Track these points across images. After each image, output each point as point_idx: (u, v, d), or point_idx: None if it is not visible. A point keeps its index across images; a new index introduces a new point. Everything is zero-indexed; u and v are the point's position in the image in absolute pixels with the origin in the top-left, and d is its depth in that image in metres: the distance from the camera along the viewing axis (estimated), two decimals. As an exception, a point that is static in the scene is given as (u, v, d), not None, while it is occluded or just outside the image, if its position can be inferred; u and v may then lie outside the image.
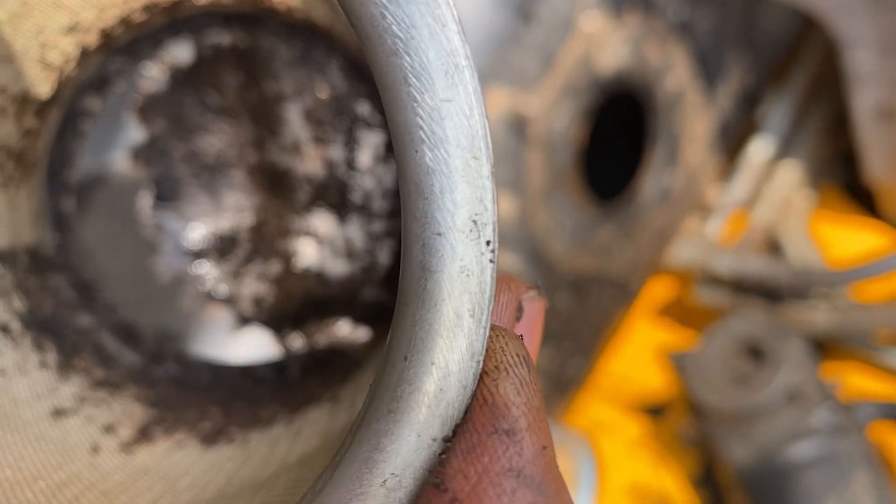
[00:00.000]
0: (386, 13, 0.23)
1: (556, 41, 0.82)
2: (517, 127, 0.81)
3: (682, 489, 0.90)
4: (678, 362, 0.87)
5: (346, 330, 0.43)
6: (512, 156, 0.82)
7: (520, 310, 0.29)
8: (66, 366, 0.39)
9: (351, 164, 0.43)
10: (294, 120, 0.44)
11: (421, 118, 0.24)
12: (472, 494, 0.24)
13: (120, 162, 0.45)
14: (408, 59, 0.23)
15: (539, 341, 0.29)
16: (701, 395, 0.83)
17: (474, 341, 0.24)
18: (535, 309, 0.29)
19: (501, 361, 0.25)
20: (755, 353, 0.83)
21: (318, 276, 0.44)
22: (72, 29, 0.39)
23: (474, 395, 0.25)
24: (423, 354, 0.24)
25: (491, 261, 0.24)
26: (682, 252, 0.94)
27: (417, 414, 0.24)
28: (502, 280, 0.28)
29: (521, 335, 0.27)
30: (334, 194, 0.44)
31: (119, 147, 0.45)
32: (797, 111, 0.99)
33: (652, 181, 0.94)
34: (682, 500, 0.90)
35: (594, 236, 0.91)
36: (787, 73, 1.00)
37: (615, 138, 0.94)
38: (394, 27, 0.23)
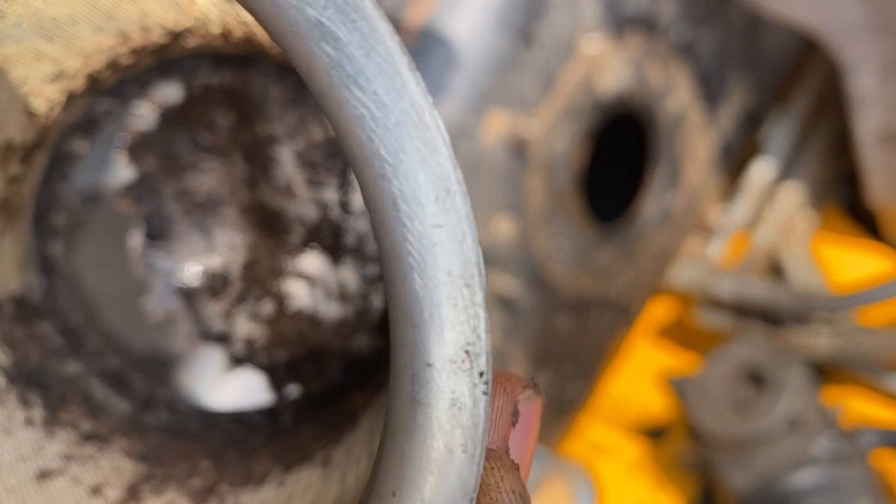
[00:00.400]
0: (374, 136, 0.23)
1: (556, 63, 0.81)
2: (517, 149, 0.81)
3: (682, 513, 0.90)
4: (679, 388, 0.87)
5: (338, 376, 0.43)
6: (512, 178, 0.81)
7: (516, 413, 0.27)
8: (52, 421, 0.38)
9: (345, 206, 0.43)
10: (286, 161, 0.43)
11: (411, 244, 0.23)
12: None
13: (109, 201, 0.44)
14: (397, 183, 0.23)
15: (534, 444, 0.28)
16: (702, 421, 0.82)
17: (467, 479, 0.23)
18: (531, 409, 0.27)
19: (496, 500, 0.24)
20: (757, 379, 0.82)
21: (311, 319, 0.44)
22: (57, 77, 0.38)
23: None
24: (412, 491, 0.23)
25: (484, 393, 0.23)
26: (683, 274, 0.94)
27: None
28: (497, 380, 0.27)
29: (518, 466, 0.26)
30: (328, 236, 0.43)
31: (108, 186, 0.44)
32: (799, 132, 0.99)
33: (653, 202, 0.93)
34: (681, 524, 0.90)
35: (594, 258, 0.90)
36: (790, 94, 1.00)
37: (616, 160, 0.94)
38: (381, 151, 0.23)
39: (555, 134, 0.82)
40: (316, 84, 0.23)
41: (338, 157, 0.42)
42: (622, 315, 0.96)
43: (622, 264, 0.93)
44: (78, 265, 0.43)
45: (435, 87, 0.76)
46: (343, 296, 0.43)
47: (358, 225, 0.43)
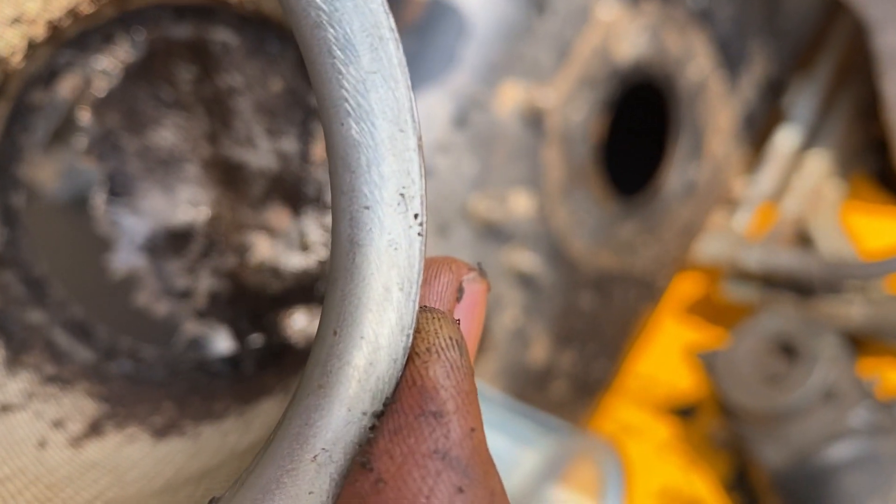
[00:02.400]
0: None
1: (571, 31, 0.79)
2: (533, 121, 0.79)
3: (715, 493, 0.88)
4: (708, 362, 0.84)
5: (301, 323, 0.43)
6: (529, 152, 0.79)
7: (460, 291, 0.28)
8: (14, 362, 0.39)
9: (304, 156, 0.43)
10: (247, 112, 0.44)
11: (346, 90, 0.23)
12: (397, 475, 0.24)
13: (72, 156, 0.44)
14: (332, 31, 0.23)
15: (481, 322, 0.29)
16: (732, 395, 0.80)
17: (403, 315, 0.24)
18: (475, 290, 0.29)
19: (433, 344, 0.25)
20: (788, 350, 0.80)
21: (273, 270, 0.44)
22: (16, 20, 0.38)
23: (404, 374, 0.25)
24: (352, 328, 0.24)
25: (419, 234, 0.24)
26: (709, 247, 0.91)
27: (347, 388, 0.24)
28: (443, 262, 0.28)
29: (458, 319, 0.27)
30: (289, 188, 0.44)
31: (70, 141, 0.44)
32: (824, 98, 0.96)
33: (676, 175, 0.91)
34: (714, 503, 0.88)
35: (617, 233, 0.88)
36: (813, 59, 0.98)
37: (637, 131, 0.92)
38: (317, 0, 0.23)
39: (571, 104, 0.80)
40: None
41: (297, 107, 0.42)
42: (647, 291, 0.94)
43: (646, 239, 0.91)
44: (40, 220, 0.44)
45: (446, 57, 0.74)
46: (304, 245, 0.44)
47: (318, 175, 0.43)
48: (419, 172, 0.24)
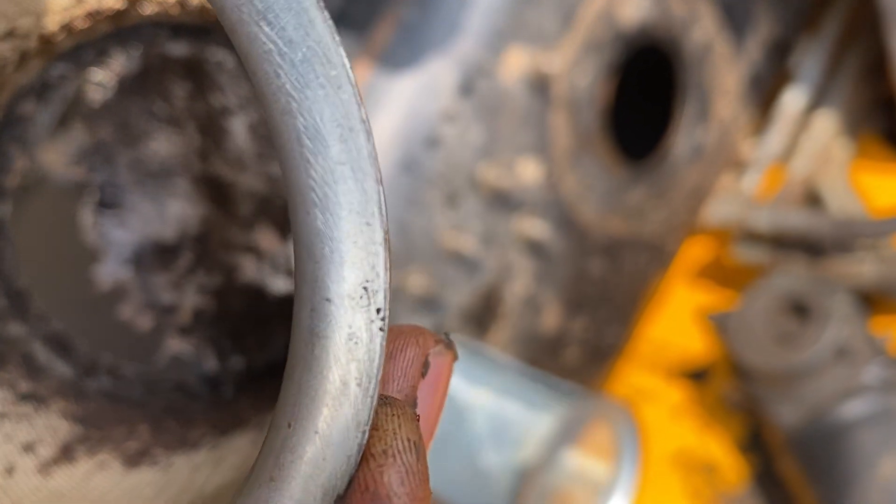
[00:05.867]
0: (280, 72, 0.23)
1: (575, -4, 0.79)
2: (539, 87, 0.78)
3: (729, 455, 0.88)
4: (720, 323, 0.84)
5: (282, 349, 0.43)
6: (535, 118, 0.79)
7: (426, 365, 0.28)
8: None
9: None
10: (239, 133, 0.43)
11: (314, 180, 0.23)
12: None
13: (62, 167, 0.44)
14: (301, 119, 0.23)
15: (444, 396, 0.29)
16: (745, 356, 0.80)
17: (360, 411, 0.24)
18: (441, 363, 0.28)
19: (390, 446, 0.24)
20: (800, 309, 0.80)
21: (258, 292, 0.44)
22: (9, 34, 0.37)
23: (357, 475, 0.24)
24: (306, 422, 0.24)
25: (381, 329, 0.24)
26: (719, 210, 0.91)
27: (298, 483, 0.24)
28: (410, 333, 0.28)
29: (418, 415, 0.26)
30: (277, 211, 0.44)
31: (61, 152, 0.44)
32: (831, 57, 0.96)
33: (683, 138, 0.91)
34: (729, 465, 0.88)
35: (626, 198, 0.88)
36: (819, 17, 0.97)
37: (643, 96, 0.91)
38: (287, 86, 0.23)
39: (577, 69, 0.80)
40: (227, 19, 0.23)
41: None
42: (657, 256, 0.94)
43: (655, 204, 0.91)
44: (26, 231, 0.43)
45: (450, 25, 0.74)
46: (290, 270, 0.43)
47: None
48: (384, 266, 0.24)
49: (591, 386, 0.91)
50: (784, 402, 0.79)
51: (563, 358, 0.88)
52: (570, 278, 0.86)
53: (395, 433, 0.25)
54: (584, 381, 0.89)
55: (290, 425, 0.24)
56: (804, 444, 0.78)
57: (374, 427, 0.25)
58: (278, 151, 0.24)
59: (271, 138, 0.24)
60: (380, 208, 0.24)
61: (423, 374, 0.28)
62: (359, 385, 0.24)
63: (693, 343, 0.94)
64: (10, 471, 0.35)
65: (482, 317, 0.80)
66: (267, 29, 0.23)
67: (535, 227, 0.81)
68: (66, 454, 0.37)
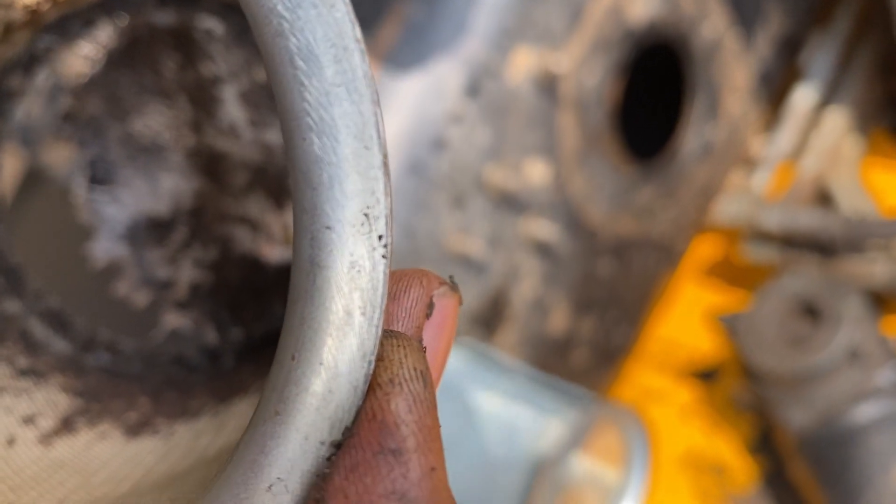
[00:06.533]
0: None
1: (583, -6, 0.78)
2: (547, 87, 0.78)
3: (739, 456, 0.87)
4: (730, 325, 0.84)
5: (281, 319, 0.42)
6: (543, 118, 0.78)
7: (430, 306, 0.27)
8: None
9: None
10: (230, 102, 0.43)
11: (308, 103, 0.23)
12: None
13: (52, 144, 0.43)
14: (294, 40, 0.22)
15: (451, 338, 0.28)
16: (755, 358, 0.79)
17: (365, 340, 0.23)
18: (446, 305, 0.28)
19: (396, 375, 0.24)
20: (811, 311, 0.79)
21: (255, 263, 0.43)
22: None
23: (364, 405, 0.24)
24: (310, 354, 0.23)
25: (384, 256, 0.24)
26: (728, 209, 0.90)
27: (305, 416, 0.23)
28: (414, 274, 0.27)
29: (425, 340, 0.26)
30: (271, 179, 0.43)
31: (51, 128, 0.43)
32: (842, 54, 0.95)
33: (693, 136, 0.90)
34: (738, 467, 0.87)
35: (635, 198, 0.87)
36: (830, 13, 0.96)
37: (651, 94, 0.90)
38: (279, 7, 0.22)
39: (585, 68, 0.79)
40: None
41: None
42: (666, 255, 0.93)
43: (664, 203, 0.90)
44: (19, 208, 0.43)
45: (457, 25, 0.73)
46: (287, 238, 0.43)
47: None
48: (384, 191, 0.23)
49: (600, 387, 0.90)
50: (795, 405, 0.78)
51: (571, 360, 0.87)
52: (578, 279, 0.85)
53: (401, 362, 0.24)
54: (593, 383, 0.89)
55: (293, 358, 0.23)
56: (816, 447, 0.77)
57: (380, 358, 0.24)
58: (271, 76, 0.23)
59: (264, 64, 0.23)
60: (378, 131, 0.23)
61: (428, 315, 0.27)
62: (363, 314, 0.23)
63: (702, 343, 0.94)
64: (10, 442, 0.35)
65: (490, 319, 0.80)
66: None
67: (543, 228, 0.81)
68: (66, 426, 0.37)
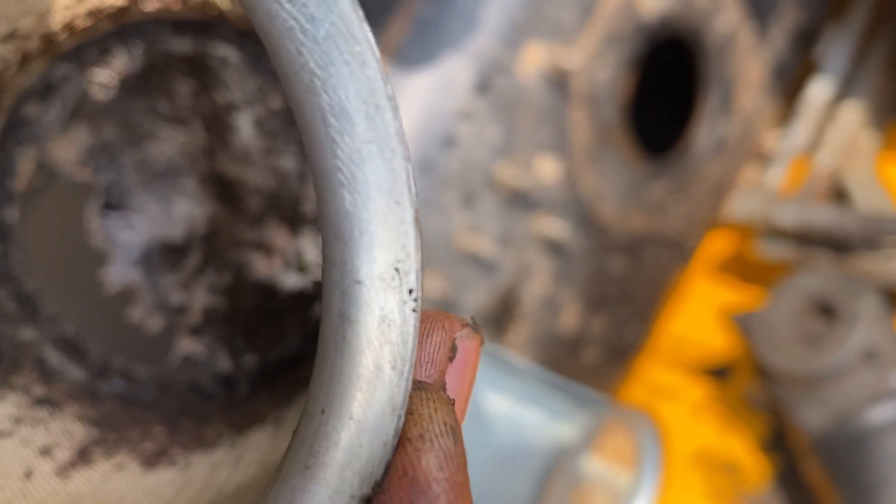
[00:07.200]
0: (303, 49, 0.23)
1: (595, -12, 0.77)
2: (558, 83, 0.76)
3: (752, 454, 0.87)
4: (744, 324, 0.83)
5: (296, 345, 0.43)
6: (554, 115, 0.77)
7: (454, 349, 0.27)
8: (2, 384, 0.38)
9: (303, 175, 0.43)
10: (245, 129, 0.43)
11: (340, 160, 0.23)
12: None
13: (67, 169, 0.43)
14: (326, 97, 0.23)
15: (473, 380, 0.28)
16: (769, 357, 0.78)
17: (395, 394, 0.23)
18: (469, 347, 0.28)
19: (427, 430, 0.24)
20: (826, 310, 0.78)
21: (269, 289, 0.43)
22: (10, 36, 0.37)
23: (394, 460, 0.24)
24: (340, 408, 0.23)
25: (413, 310, 0.24)
26: (742, 204, 0.90)
27: (334, 470, 0.23)
28: (436, 318, 0.27)
29: (453, 400, 0.26)
30: (286, 206, 0.43)
31: (66, 154, 0.43)
32: (858, 47, 0.94)
33: (706, 131, 0.89)
34: (751, 465, 0.87)
35: (647, 194, 0.86)
36: (846, 4, 0.95)
37: (664, 88, 0.89)
38: (311, 64, 0.23)
39: (597, 64, 0.78)
40: None
41: (295, 126, 0.41)
42: (679, 252, 0.92)
43: (676, 198, 0.89)
44: (33, 234, 0.43)
45: (466, 21, 0.72)
46: (301, 266, 0.43)
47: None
48: (415, 246, 0.23)
49: (611, 385, 0.90)
50: (810, 405, 0.77)
51: (582, 357, 0.86)
52: (589, 277, 0.84)
53: (431, 417, 0.24)
54: (604, 381, 0.88)
55: (323, 412, 0.23)
56: (830, 448, 0.76)
57: (410, 411, 0.24)
58: (303, 132, 0.23)
59: (296, 119, 0.23)
60: (409, 187, 0.23)
61: (451, 359, 0.27)
62: (393, 368, 0.23)
63: (715, 340, 0.93)
64: (28, 475, 0.35)
65: (500, 318, 0.79)
66: (288, 6, 0.23)
67: (554, 226, 0.80)
68: (82, 457, 0.37)
